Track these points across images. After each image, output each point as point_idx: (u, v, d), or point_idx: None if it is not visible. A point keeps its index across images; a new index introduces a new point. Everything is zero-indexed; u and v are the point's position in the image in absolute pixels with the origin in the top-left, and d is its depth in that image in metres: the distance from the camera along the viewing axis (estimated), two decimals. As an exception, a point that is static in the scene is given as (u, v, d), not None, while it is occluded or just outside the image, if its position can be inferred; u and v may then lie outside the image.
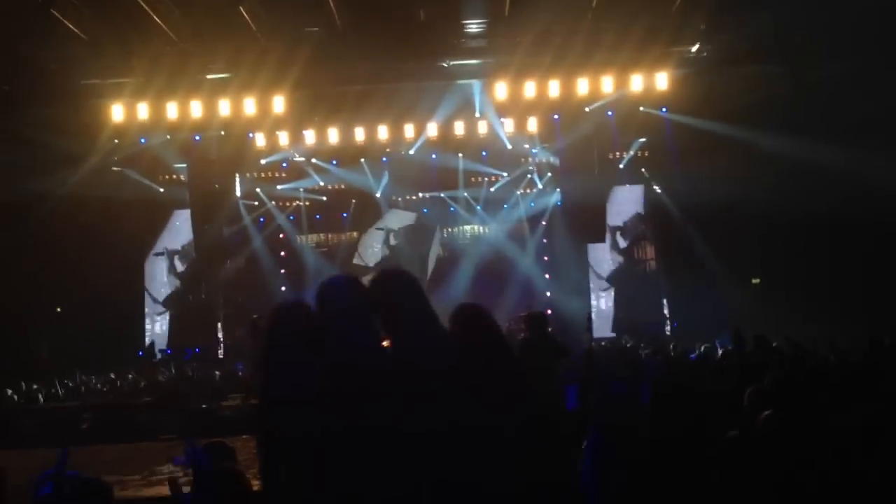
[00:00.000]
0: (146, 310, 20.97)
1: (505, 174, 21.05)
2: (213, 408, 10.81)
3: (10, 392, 13.23)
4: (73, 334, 17.40)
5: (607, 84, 16.45)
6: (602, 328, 19.69)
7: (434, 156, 20.07)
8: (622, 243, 21.32)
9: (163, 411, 11.34)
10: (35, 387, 13.84)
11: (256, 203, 21.29)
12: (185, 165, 19.08)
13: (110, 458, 7.17)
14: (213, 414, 10.62)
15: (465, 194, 21.47)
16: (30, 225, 16.79)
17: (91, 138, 16.80)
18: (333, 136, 18.19)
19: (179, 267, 21.30)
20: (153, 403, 11.73)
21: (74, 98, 15.90)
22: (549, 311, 18.36)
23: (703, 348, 11.74)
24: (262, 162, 19.56)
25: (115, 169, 18.58)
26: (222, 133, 17.72)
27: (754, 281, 19.28)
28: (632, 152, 19.90)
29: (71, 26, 14.15)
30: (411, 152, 19.46)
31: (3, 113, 15.40)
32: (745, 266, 18.65)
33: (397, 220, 22.13)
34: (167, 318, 21.06)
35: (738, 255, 18.17)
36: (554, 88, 16.43)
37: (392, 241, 22.10)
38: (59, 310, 18.79)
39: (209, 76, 15.76)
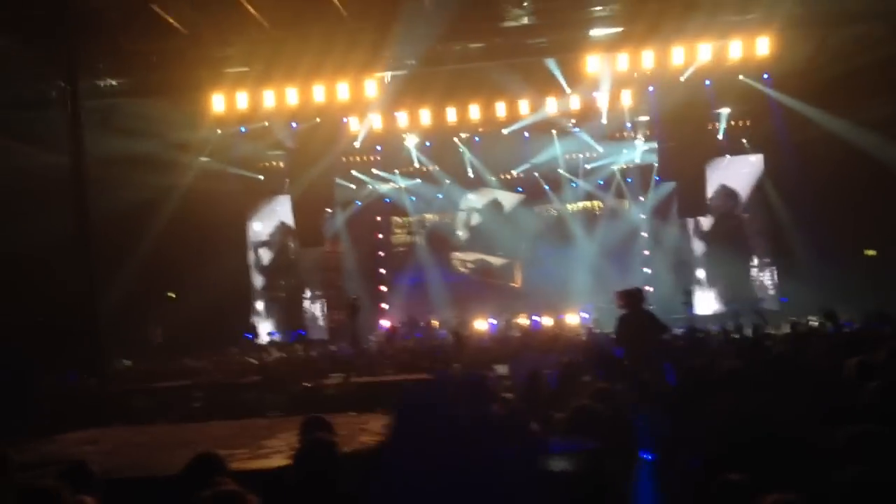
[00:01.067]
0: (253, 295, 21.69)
1: (601, 149, 20.68)
2: (315, 387, 11.06)
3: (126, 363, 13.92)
4: (185, 319, 18.12)
5: (704, 51, 15.90)
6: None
7: (527, 135, 19.90)
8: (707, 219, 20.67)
9: (268, 390, 11.68)
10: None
11: (354, 186, 21.60)
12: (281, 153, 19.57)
13: (220, 433, 7.42)
14: (316, 392, 10.86)
15: (561, 171, 21.21)
16: (143, 215, 17.54)
17: (194, 129, 17.37)
18: (425, 117, 18.24)
19: (265, 257, 21.85)
20: (259, 383, 12.09)
21: (177, 90, 16.44)
22: (649, 288, 18.05)
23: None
24: (356, 145, 19.74)
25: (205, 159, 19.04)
26: (318, 120, 18.01)
27: (868, 252, 18.37)
28: (724, 122, 19.10)
29: (171, 20, 14.63)
30: (505, 132, 19.36)
31: (111, 106, 16.06)
32: (857, 237, 17.82)
33: (479, 198, 22.04)
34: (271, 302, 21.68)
35: (850, 225, 17.37)
36: (648, 59, 16.01)
37: (473, 222, 22.07)
38: (172, 295, 19.58)
39: (302, 63, 15.98)
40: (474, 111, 18.10)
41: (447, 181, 21.66)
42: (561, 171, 21.18)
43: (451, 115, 18.22)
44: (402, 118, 18.43)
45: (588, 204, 21.77)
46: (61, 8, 11.09)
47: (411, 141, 20.03)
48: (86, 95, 13.51)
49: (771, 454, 3.01)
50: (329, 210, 20.44)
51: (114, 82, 15.95)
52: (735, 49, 15.78)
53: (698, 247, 20.79)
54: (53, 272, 13.59)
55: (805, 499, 2.33)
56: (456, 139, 20.31)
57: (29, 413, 9.44)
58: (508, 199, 21.93)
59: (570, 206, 21.77)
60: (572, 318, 19.53)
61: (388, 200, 22.27)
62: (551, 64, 16.63)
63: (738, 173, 20.57)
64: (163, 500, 3.95)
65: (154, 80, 16.10)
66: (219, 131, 18.06)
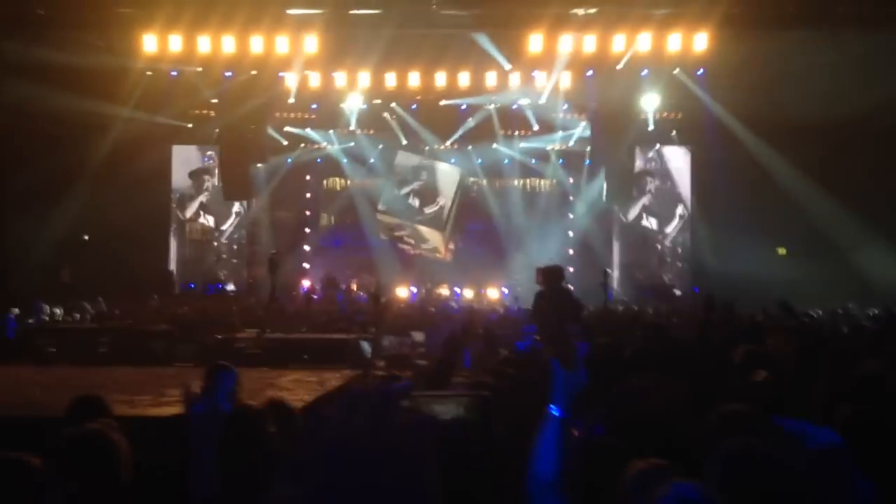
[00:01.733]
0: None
1: (536, 127, 20.82)
2: (227, 339, 10.95)
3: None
4: (98, 262, 17.64)
5: (644, 41, 16.16)
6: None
7: (464, 106, 19.91)
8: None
9: (179, 340, 11.51)
10: (58, 310, 14.09)
11: (286, 143, 21.24)
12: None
13: (125, 379, 7.27)
14: (228, 345, 10.75)
15: (496, 146, 21.30)
16: (60, 151, 16.93)
17: (123, 67, 16.80)
18: (364, 79, 18.06)
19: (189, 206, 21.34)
20: (170, 332, 11.91)
21: (108, 25, 15.86)
22: (570, 269, 18.36)
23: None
24: (291, 102, 19.39)
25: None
26: (254, 73, 17.60)
27: (781, 251, 19.09)
28: (653, 113, 19.40)
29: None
30: (442, 102, 19.33)
31: (37, 36, 15.40)
32: (771, 235, 18.51)
33: (415, 165, 22.01)
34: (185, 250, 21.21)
35: (766, 224, 18.00)
36: (589, 43, 16.18)
37: (405, 189, 22.04)
38: (85, 237, 19.02)
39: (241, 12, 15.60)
40: (414, 79, 17.99)
41: (380, 146, 21.53)
42: (497, 146, 21.24)
43: (391, 80, 18.09)
44: (340, 78, 18.20)
45: (521, 181, 21.95)
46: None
47: (350, 103, 19.75)
48: (9, 23, 12.97)
49: (653, 430, 3.15)
50: (258, 164, 20.10)
51: (41, 11, 15.26)
52: (673, 42, 16.08)
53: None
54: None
55: (674, 466, 2.44)
56: (395, 104, 20.16)
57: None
58: (444, 170, 21.92)
59: (502, 183, 21.91)
60: (493, 293, 19.77)
61: (319, 161, 21.99)
62: (483, 39, 16.64)
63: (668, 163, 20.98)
64: (44, 441, 3.85)
65: (82, 14, 15.48)
66: (149, 73, 17.51)
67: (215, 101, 19.10)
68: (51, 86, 15.45)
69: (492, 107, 20.13)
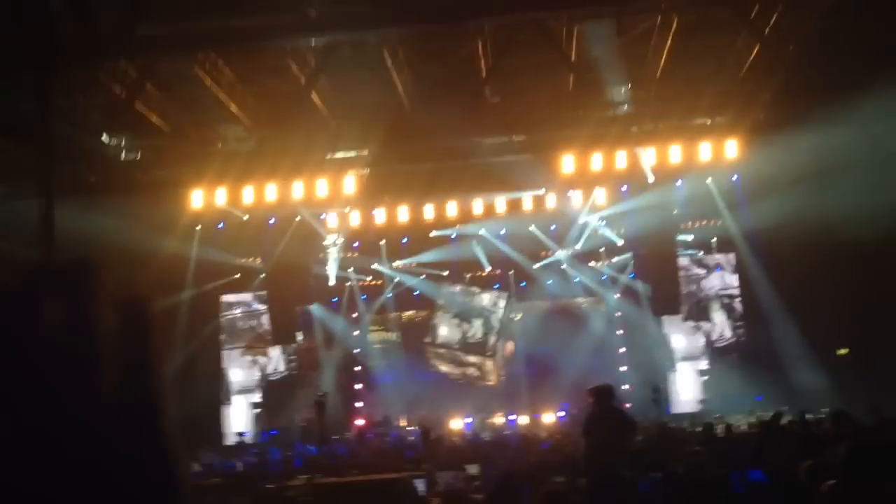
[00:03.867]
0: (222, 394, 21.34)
1: (577, 247, 20.91)
2: (279, 488, 10.81)
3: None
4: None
5: (675, 153, 16.33)
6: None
7: (503, 231, 20.17)
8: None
9: (233, 493, 11.41)
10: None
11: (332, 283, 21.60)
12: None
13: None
14: (280, 494, 10.61)
15: (536, 267, 21.35)
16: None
17: (171, 225, 17.42)
18: (403, 214, 18.46)
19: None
20: (222, 485, 11.83)
21: (155, 186, 16.58)
22: (627, 386, 17.99)
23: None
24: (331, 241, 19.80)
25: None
26: (298, 218, 18.15)
27: (841, 352, 18.46)
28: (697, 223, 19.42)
29: (153, 119, 14.91)
30: (481, 232, 19.65)
31: (89, 203, 16.11)
32: (829, 336, 17.94)
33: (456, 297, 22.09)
34: (242, 401, 21.28)
35: (823, 323, 17.50)
36: (621, 159, 16.41)
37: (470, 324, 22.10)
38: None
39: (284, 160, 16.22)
40: (451, 208, 18.35)
41: (422, 277, 21.74)
42: (535, 267, 21.33)
43: (429, 212, 18.47)
44: (380, 215, 18.64)
45: (564, 302, 21.86)
46: (41, 99, 11.27)
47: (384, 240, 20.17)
48: (68, 191, 13.59)
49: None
50: (303, 307, 20.39)
51: (93, 178, 16.03)
52: (705, 151, 16.22)
53: (679, 342, 20.77)
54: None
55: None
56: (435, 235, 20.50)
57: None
58: (488, 297, 22.00)
59: (547, 305, 21.84)
60: (549, 417, 19.31)
61: (364, 298, 22.24)
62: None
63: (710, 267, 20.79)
64: None
65: (136, 178, 16.24)
66: (198, 227, 18.15)
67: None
68: (102, 251, 16.05)
69: (532, 228, 20.32)
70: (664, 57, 14.52)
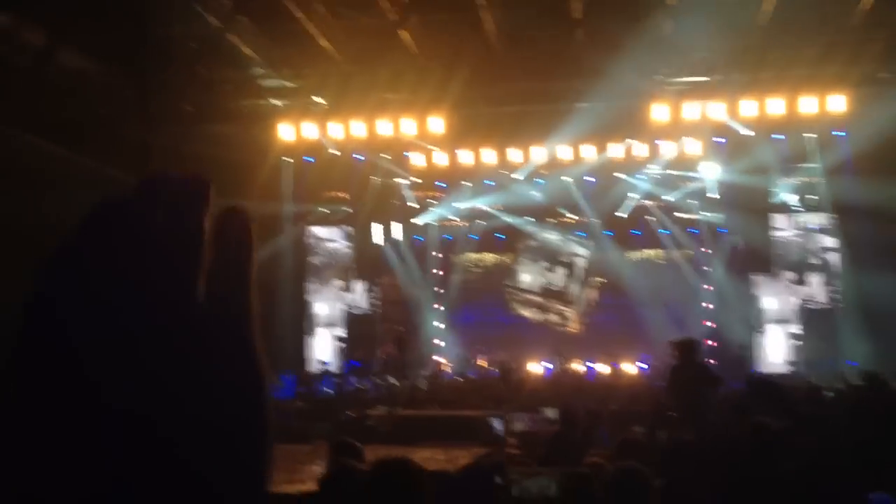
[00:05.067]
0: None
1: (670, 198, 20.43)
2: (359, 417, 11.10)
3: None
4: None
5: (775, 106, 15.67)
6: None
7: (593, 179, 19.85)
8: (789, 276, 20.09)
9: (316, 418, 11.77)
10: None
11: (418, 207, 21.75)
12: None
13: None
14: (360, 423, 10.89)
15: (620, 214, 20.98)
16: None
17: (260, 156, 17.73)
18: (489, 156, 18.33)
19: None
20: (306, 410, 12.21)
21: (247, 119, 16.86)
22: (710, 342, 17.68)
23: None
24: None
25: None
26: (382, 155, 18.23)
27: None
28: (795, 180, 18.65)
29: (246, 50, 15.08)
30: (564, 178, 19.38)
31: (185, 132, 16.51)
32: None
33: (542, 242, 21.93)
34: (326, 333, 21.77)
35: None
36: (718, 111, 15.85)
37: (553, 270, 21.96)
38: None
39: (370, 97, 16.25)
40: (538, 153, 18.12)
41: (509, 220, 21.61)
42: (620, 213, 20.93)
43: (515, 155, 18.28)
44: (465, 156, 18.55)
45: (651, 252, 21.50)
46: (141, 35, 11.52)
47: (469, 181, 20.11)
48: (160, 119, 14.00)
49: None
50: (387, 243, 20.62)
51: (189, 108, 16.38)
52: (807, 105, 15.51)
53: (770, 303, 20.17)
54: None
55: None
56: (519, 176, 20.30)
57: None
58: (575, 243, 21.80)
59: (632, 255, 21.51)
60: (629, 367, 19.15)
61: (447, 238, 22.31)
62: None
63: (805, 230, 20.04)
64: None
65: (227, 108, 16.52)
66: (290, 159, 18.44)
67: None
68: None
69: (624, 177, 19.91)
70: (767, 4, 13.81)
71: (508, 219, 21.47)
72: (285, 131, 16.76)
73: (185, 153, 16.37)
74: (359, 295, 21.81)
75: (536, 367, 19.40)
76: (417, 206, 21.49)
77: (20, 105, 14.24)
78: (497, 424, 10.66)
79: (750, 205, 17.78)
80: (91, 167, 15.55)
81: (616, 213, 20.76)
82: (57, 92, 14.81)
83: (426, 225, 21.90)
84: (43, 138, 14.96)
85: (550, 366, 19.53)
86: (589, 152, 18.10)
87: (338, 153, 17.97)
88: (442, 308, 22.20)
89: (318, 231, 21.72)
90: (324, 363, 20.54)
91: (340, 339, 21.44)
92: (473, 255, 22.35)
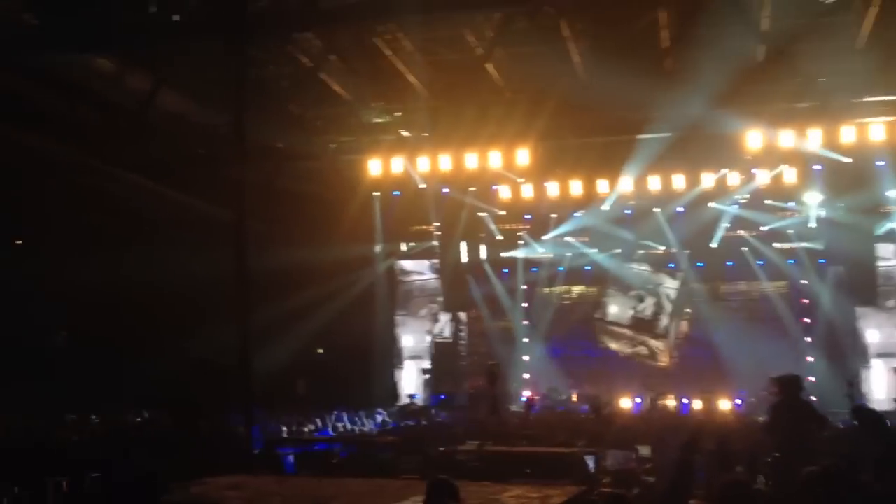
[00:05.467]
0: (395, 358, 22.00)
1: (765, 227, 19.81)
2: (449, 452, 11.03)
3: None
4: (331, 375, 18.60)
5: (876, 131, 15.08)
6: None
7: (681, 209, 19.45)
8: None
9: (405, 451, 11.75)
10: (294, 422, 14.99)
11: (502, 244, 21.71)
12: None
13: (356, 490, 7.50)
14: (450, 458, 10.82)
15: (713, 246, 20.40)
16: (297, 272, 18.25)
17: (349, 191, 18.05)
18: (576, 188, 18.19)
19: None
20: (396, 443, 12.20)
21: (336, 153, 17.22)
22: (811, 378, 16.97)
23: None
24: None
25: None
26: (471, 189, 18.33)
27: None
28: None
29: (335, 88, 15.45)
30: (655, 210, 19.09)
31: (276, 168, 16.98)
32: None
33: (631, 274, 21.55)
34: (413, 365, 21.87)
35: None
36: (814, 138, 15.36)
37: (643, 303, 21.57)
38: (320, 351, 20.19)
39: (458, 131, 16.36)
40: (625, 183, 17.89)
41: (595, 251, 21.35)
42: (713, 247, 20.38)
43: (602, 186, 18.10)
44: (552, 188, 18.45)
45: (745, 284, 20.83)
46: (237, 76, 11.92)
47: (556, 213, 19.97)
48: (253, 156, 14.37)
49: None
50: (474, 276, 20.66)
51: (280, 145, 16.82)
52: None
53: (873, 335, 19.26)
54: (215, 316, 14.32)
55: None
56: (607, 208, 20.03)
57: (188, 452, 9.89)
58: (665, 275, 21.36)
59: (726, 287, 20.90)
60: (724, 404, 18.51)
61: (534, 270, 22.17)
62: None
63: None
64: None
65: (317, 145, 16.92)
66: (377, 193, 18.74)
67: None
68: (288, 210, 16.90)
69: (716, 206, 19.41)
70: (866, 27, 13.33)
71: (596, 251, 21.21)
72: (374, 166, 17.02)
73: (277, 189, 16.83)
74: (445, 327, 21.87)
75: (626, 402, 18.99)
76: (504, 239, 21.46)
77: (125, 145, 14.95)
78: (590, 462, 10.43)
79: (853, 234, 17.08)
80: (188, 203, 16.16)
81: (708, 245, 20.24)
82: (158, 133, 15.49)
83: (513, 257, 21.83)
84: (145, 177, 15.66)
85: (639, 400, 19.08)
86: (679, 182, 17.76)
87: (425, 187, 18.14)
88: (530, 341, 22.02)
89: (406, 264, 21.94)
90: (411, 396, 20.62)
91: (426, 371, 21.52)
92: (561, 288, 22.12)
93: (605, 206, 19.27)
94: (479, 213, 20.39)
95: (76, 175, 15.06)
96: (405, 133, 16.90)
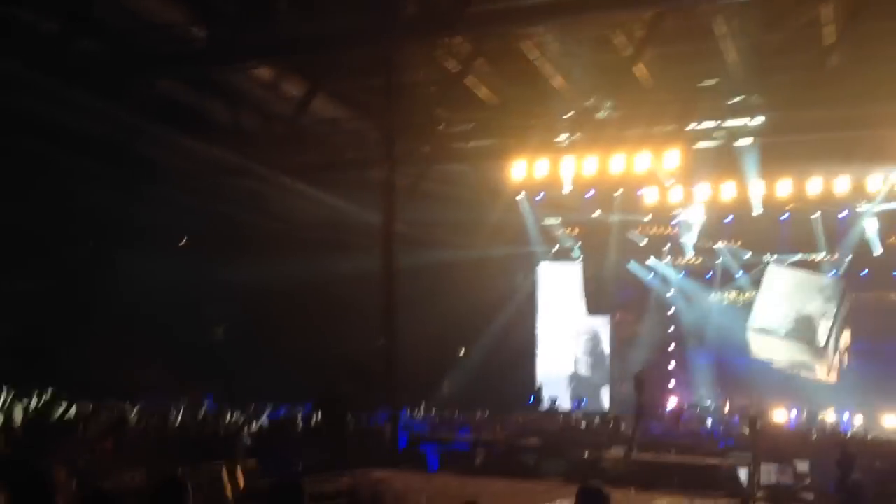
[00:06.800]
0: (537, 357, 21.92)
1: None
2: (594, 457, 10.87)
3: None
4: (473, 375, 18.75)
5: None
6: None
7: (843, 214, 18.36)
8: None
9: (548, 455, 11.68)
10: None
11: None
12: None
13: (499, 490, 7.54)
14: (595, 463, 10.67)
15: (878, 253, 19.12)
16: (441, 274, 18.53)
17: (492, 194, 18.12)
18: (729, 190, 17.50)
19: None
20: (539, 446, 12.14)
21: (483, 158, 17.34)
22: None
23: None
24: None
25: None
26: (619, 191, 18.01)
27: None
28: None
29: (481, 91, 15.56)
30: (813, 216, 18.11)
31: (423, 171, 17.26)
32: None
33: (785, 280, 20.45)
34: (555, 368, 21.71)
35: None
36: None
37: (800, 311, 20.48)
38: (462, 351, 20.41)
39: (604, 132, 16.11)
40: (784, 187, 17.05)
41: (747, 256, 20.46)
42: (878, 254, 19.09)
43: (757, 188, 17.33)
44: (701, 191, 17.84)
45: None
46: (387, 82, 12.23)
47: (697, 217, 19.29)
48: (401, 160, 14.72)
49: None
50: (619, 280, 20.31)
51: (427, 148, 17.10)
52: None
53: None
54: (362, 316, 14.76)
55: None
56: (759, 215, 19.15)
57: (340, 447, 10.25)
58: (823, 282, 20.19)
59: (893, 296, 19.56)
60: (891, 420, 17.26)
61: (682, 275, 21.51)
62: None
63: None
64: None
65: (462, 148, 17.08)
66: (518, 197, 18.72)
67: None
68: (432, 213, 17.17)
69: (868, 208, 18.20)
70: None
71: (749, 255, 20.32)
72: (518, 169, 17.00)
73: (422, 192, 17.13)
74: (588, 331, 21.60)
75: (780, 415, 18.07)
76: (650, 242, 20.97)
77: (281, 150, 15.65)
78: (742, 475, 10.02)
79: None
80: (337, 206, 16.73)
81: (872, 253, 18.97)
82: (311, 137, 16.12)
83: (661, 262, 21.29)
84: (298, 180, 16.32)
85: (795, 414, 18.13)
86: (843, 185, 16.75)
87: (570, 190, 17.96)
88: (675, 347, 21.38)
89: (550, 266, 21.82)
90: (553, 400, 20.48)
91: (570, 378, 21.34)
92: (712, 294, 21.35)
93: (759, 210, 18.41)
94: (625, 216, 19.95)
95: (236, 178, 15.89)
96: (551, 136, 16.78)
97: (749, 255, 20.39)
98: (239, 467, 8.16)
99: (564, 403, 20.16)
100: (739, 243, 20.30)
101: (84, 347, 13.45)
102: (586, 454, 11.05)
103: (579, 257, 21.21)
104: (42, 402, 10.27)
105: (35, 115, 12.01)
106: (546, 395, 20.56)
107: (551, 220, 20.39)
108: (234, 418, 12.44)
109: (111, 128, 13.14)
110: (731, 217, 19.28)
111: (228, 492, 7.67)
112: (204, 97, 14.74)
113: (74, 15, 12.05)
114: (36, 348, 13.18)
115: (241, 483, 8.05)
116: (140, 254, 14.70)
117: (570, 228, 20.95)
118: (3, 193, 12.53)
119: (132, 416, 10.68)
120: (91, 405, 10.79)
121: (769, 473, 10.16)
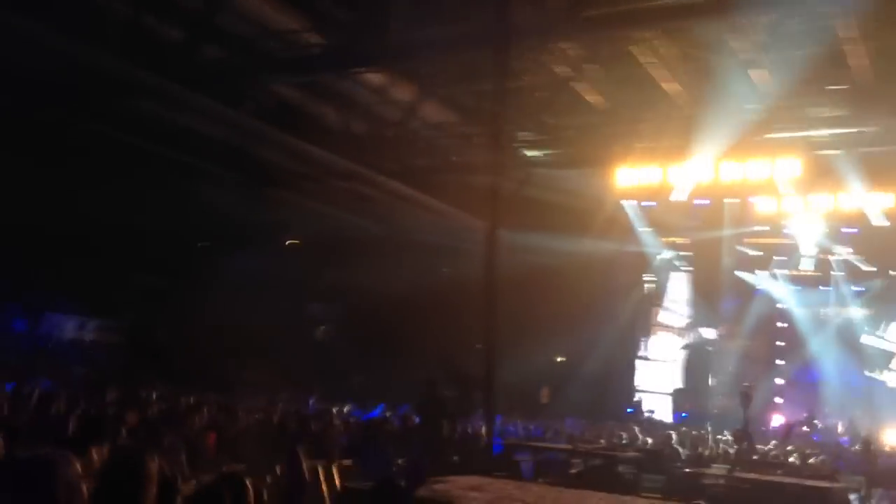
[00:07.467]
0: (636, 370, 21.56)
1: None
2: (696, 474, 10.59)
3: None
4: (571, 384, 18.58)
5: None
6: None
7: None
8: None
9: (647, 469, 11.45)
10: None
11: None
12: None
13: (595, 504, 7.42)
14: (696, 480, 10.38)
15: None
16: (543, 280, 18.42)
17: (598, 201, 17.91)
18: (847, 201, 16.76)
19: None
20: (639, 460, 11.91)
21: (589, 163, 17.16)
22: None
23: None
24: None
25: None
26: (728, 200, 17.53)
27: None
28: None
29: (589, 97, 15.39)
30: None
31: (527, 177, 17.23)
32: None
33: None
34: (656, 379, 21.31)
35: None
36: None
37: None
38: (560, 359, 20.27)
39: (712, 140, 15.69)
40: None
41: (871, 269, 19.50)
42: None
43: (882, 200, 16.53)
44: (820, 201, 17.15)
45: None
46: (496, 88, 12.24)
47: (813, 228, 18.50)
48: (508, 164, 14.73)
49: None
50: (727, 292, 19.72)
51: (534, 153, 17.03)
52: None
53: None
54: (463, 321, 14.83)
55: None
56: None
57: (435, 452, 10.34)
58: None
59: None
60: None
61: (796, 287, 20.71)
62: None
63: None
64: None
65: (570, 154, 16.96)
66: (624, 204, 18.44)
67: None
68: (535, 218, 17.12)
69: None
70: None
71: (874, 269, 19.36)
72: (625, 176, 16.79)
73: (526, 197, 17.10)
74: (693, 343, 21.10)
75: (894, 437, 17.13)
76: (762, 254, 20.28)
77: (388, 154, 15.93)
78: (854, 500, 9.58)
79: None
80: (442, 210, 16.89)
81: None
82: (419, 142, 16.35)
83: (772, 273, 20.55)
84: (404, 184, 16.58)
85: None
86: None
87: (681, 198, 17.56)
88: (785, 363, 20.60)
89: (657, 277, 21.41)
90: (650, 412, 20.10)
91: (673, 392, 20.89)
92: (826, 308, 20.46)
93: (878, 222, 17.51)
94: (736, 228, 19.35)
95: (344, 181, 16.26)
96: (659, 142, 16.47)
97: (871, 268, 19.42)
98: (335, 466, 8.34)
99: (665, 416, 19.75)
100: (859, 256, 19.37)
101: (192, 343, 14.03)
102: (687, 470, 10.79)
103: (687, 268, 20.69)
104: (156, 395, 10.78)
105: (159, 120, 12.63)
106: (645, 408, 20.21)
107: (659, 230, 19.99)
108: (333, 417, 12.72)
109: (230, 132, 13.66)
110: (857, 229, 18.39)
111: (325, 491, 7.85)
112: (317, 102, 15.15)
113: (198, 23, 12.59)
114: (149, 342, 13.84)
115: (338, 482, 8.23)
116: (251, 254, 15.24)
117: (679, 238, 20.48)
118: (126, 194, 13.21)
119: (236, 412, 11.06)
120: (193, 399, 11.26)
121: (883, 499, 9.69)
